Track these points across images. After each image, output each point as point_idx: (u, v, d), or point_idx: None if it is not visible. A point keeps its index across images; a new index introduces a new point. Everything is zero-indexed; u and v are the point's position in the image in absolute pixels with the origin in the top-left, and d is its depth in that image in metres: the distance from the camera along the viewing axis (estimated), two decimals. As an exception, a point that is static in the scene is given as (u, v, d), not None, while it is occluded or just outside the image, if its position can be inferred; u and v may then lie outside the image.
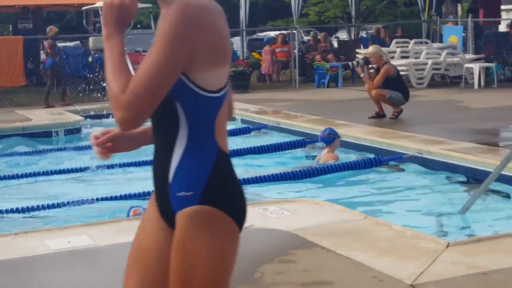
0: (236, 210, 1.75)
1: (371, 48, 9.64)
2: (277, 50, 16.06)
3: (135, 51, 15.07)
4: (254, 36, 20.17)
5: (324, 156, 7.04)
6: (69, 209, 5.70)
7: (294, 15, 15.72)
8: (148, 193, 6.05)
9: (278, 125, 9.48)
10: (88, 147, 8.53)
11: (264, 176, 6.64)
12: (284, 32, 17.51)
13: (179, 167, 1.67)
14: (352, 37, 18.50)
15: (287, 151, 8.09)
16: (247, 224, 4.39)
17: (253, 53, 15.74)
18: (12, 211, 5.57)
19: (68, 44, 22.00)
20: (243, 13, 16.47)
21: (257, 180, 6.56)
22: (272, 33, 19.87)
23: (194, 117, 1.66)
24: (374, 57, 9.27)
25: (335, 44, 18.37)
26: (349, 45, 16.56)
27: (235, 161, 6.68)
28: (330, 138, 7.00)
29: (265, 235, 4.30)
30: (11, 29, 21.79)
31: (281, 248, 4.02)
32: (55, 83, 12.56)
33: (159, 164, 1.73)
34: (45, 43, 12.70)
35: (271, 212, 4.77)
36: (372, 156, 7.24)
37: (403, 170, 6.93)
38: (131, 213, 5.32)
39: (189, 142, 1.67)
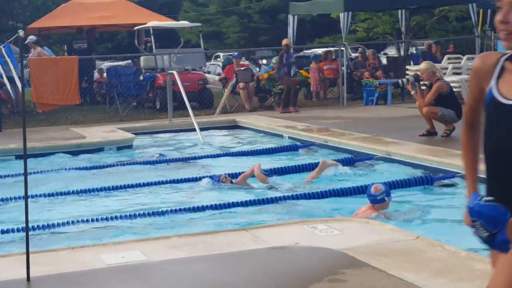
0: None
1: (423, 64, 9.52)
2: (324, 67, 16.06)
3: (185, 70, 15.31)
4: (301, 54, 20.22)
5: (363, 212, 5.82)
6: (122, 224, 5.83)
7: (342, 31, 15.70)
8: (198, 208, 6.14)
9: (325, 143, 9.47)
10: (139, 163, 8.72)
11: (312, 193, 6.64)
12: (332, 49, 17.50)
13: None
14: (402, 54, 18.37)
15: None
16: (292, 242, 4.43)
17: (301, 71, 15.78)
18: (68, 224, 5.74)
19: (120, 63, 22.50)
20: (291, 30, 16.55)
21: (305, 196, 6.57)
22: (319, 50, 19.90)
23: None
24: (427, 73, 9.14)
25: (384, 61, 18.26)
26: (399, 61, 16.45)
27: (282, 178, 6.64)
28: (381, 199, 5.74)
29: (315, 254, 4.31)
30: (65, 48, 22.43)
31: (331, 267, 4.02)
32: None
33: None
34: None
35: (320, 231, 4.77)
36: (423, 174, 7.17)
37: (455, 188, 6.82)
38: None
39: None
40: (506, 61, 2.08)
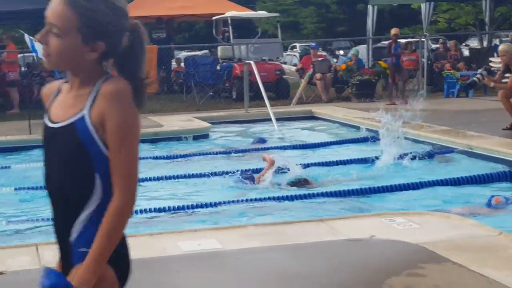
0: (123, 270, 1.90)
1: (503, 46, 9.39)
2: (404, 58, 15.70)
3: (262, 60, 15.33)
4: (379, 44, 19.87)
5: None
6: (199, 212, 5.90)
7: (423, 22, 15.31)
8: (274, 198, 6.15)
9: (404, 135, 9.25)
10: (215, 153, 8.82)
11: (390, 186, 6.52)
12: (412, 40, 17.10)
13: (85, 226, 1.85)
14: (484, 45, 17.75)
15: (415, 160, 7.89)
16: (367, 235, 4.35)
17: (380, 62, 15.49)
18: (146, 211, 5.86)
19: (197, 53, 22.80)
20: (370, 21, 16.28)
21: (383, 189, 6.46)
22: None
23: (107, 186, 1.83)
24: (508, 55, 9.02)
25: (466, 52, 17.72)
26: (482, 53, 15.90)
27: (360, 168, 6.56)
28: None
29: (393, 247, 4.23)
30: (145, 38, 22.85)
31: (409, 261, 3.93)
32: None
33: (62, 221, 1.89)
34: None
35: (398, 224, 4.68)
36: (507, 169, 6.91)
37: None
38: (493, 201, 5.67)
39: (97, 207, 1.85)
40: (64, 84, 1.95)
